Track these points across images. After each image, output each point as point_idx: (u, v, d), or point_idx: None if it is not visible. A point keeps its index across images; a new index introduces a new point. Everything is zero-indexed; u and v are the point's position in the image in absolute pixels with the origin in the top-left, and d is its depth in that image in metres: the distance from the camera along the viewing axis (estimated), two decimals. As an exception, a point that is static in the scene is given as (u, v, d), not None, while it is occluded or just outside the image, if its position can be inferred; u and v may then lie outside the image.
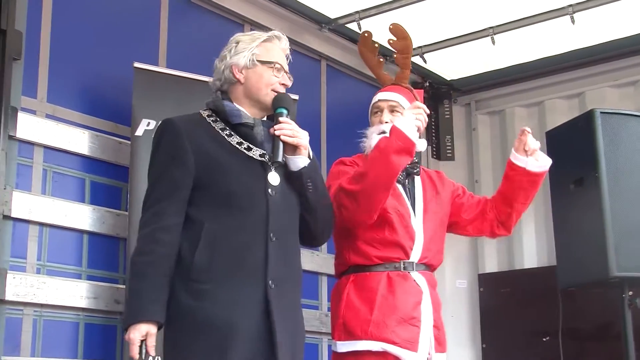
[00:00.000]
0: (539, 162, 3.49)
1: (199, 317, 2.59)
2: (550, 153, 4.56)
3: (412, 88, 3.58)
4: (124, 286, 4.17)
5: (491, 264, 6.35)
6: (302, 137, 2.77)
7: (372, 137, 3.39)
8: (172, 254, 2.64)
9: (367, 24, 5.54)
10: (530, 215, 6.13)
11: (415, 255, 3.37)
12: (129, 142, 4.31)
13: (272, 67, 2.82)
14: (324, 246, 5.56)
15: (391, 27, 3.67)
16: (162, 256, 2.62)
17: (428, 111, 3.30)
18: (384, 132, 3.31)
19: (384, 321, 3.24)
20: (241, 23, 5.21)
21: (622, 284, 4.10)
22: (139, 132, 4.26)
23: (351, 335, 3.27)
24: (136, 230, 4.06)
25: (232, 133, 2.76)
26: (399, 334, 3.24)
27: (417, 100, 3.45)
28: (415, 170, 3.47)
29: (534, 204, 6.01)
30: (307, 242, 2.95)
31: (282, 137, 2.73)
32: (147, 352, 2.53)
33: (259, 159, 2.75)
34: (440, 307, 3.45)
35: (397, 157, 3.15)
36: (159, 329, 2.60)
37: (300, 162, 2.78)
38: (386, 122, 3.39)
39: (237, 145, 2.74)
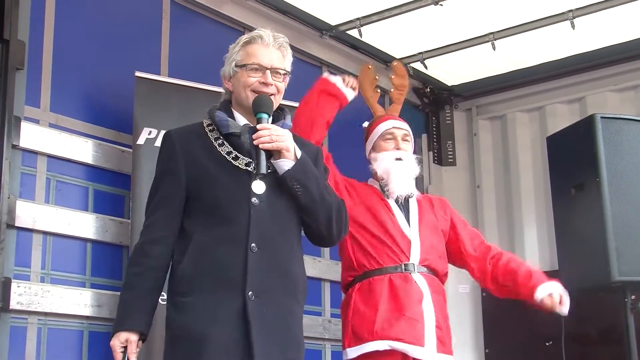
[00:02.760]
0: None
1: (177, 330, 2.66)
2: (551, 158, 4.63)
3: None
4: (127, 294, 4.18)
5: (494, 269, 6.34)
6: (282, 140, 2.70)
7: (386, 162, 3.65)
8: (161, 266, 2.72)
9: (368, 31, 5.58)
10: (532, 220, 6.14)
11: (414, 257, 3.51)
12: (131, 151, 4.33)
13: (249, 69, 2.77)
14: (327, 252, 5.58)
15: (394, 64, 4.11)
16: (149, 268, 2.71)
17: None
18: (400, 159, 3.64)
19: (389, 320, 3.36)
20: (242, 31, 5.22)
21: (624, 289, 4.11)
22: (141, 140, 4.28)
23: (359, 340, 3.39)
24: (138, 238, 4.12)
25: (224, 142, 2.77)
26: (405, 330, 3.35)
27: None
28: (410, 195, 3.69)
29: (535, 208, 6.10)
30: (316, 242, 2.92)
31: (260, 146, 2.67)
32: (128, 358, 2.63)
33: (244, 168, 2.73)
34: (445, 310, 3.53)
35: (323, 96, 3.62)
36: (143, 338, 2.68)
37: (283, 165, 2.71)
38: (403, 150, 3.68)
39: (226, 155, 2.75)
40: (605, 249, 4.02)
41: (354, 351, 3.40)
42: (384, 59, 6.07)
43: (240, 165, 2.73)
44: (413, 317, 3.38)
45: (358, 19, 5.49)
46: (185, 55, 4.81)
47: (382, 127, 3.77)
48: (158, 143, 4.27)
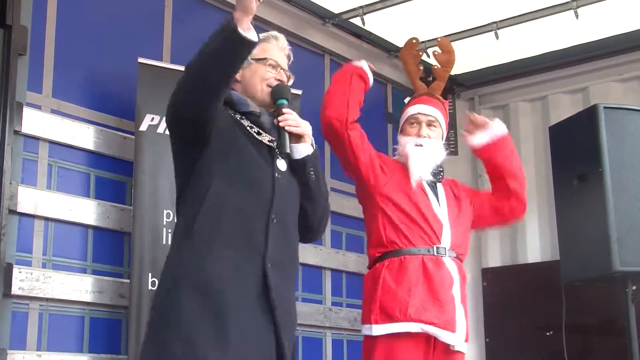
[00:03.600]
0: (494, 129, 3.81)
1: (196, 280, 2.55)
2: (553, 148, 4.62)
3: (444, 100, 3.91)
4: (128, 280, 4.19)
5: (495, 259, 6.36)
6: (305, 127, 2.83)
7: (408, 147, 3.70)
8: None
9: (371, 19, 5.57)
10: (534, 210, 6.13)
11: (445, 241, 3.56)
12: (133, 137, 4.33)
13: (265, 64, 2.86)
14: (327, 240, 5.59)
15: (441, 39, 4.05)
16: None
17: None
18: (420, 145, 3.67)
19: (422, 304, 3.40)
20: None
21: (625, 279, 4.11)
22: (143, 127, 4.28)
23: (390, 318, 3.41)
24: (140, 224, 4.16)
25: (244, 118, 2.82)
26: (437, 315, 3.40)
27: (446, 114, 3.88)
28: (439, 177, 3.74)
29: (537, 198, 6.09)
30: (304, 234, 2.95)
31: (287, 128, 2.76)
32: None
33: (268, 143, 2.80)
34: (466, 298, 3.60)
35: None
36: None
37: (304, 150, 2.83)
38: (424, 137, 3.71)
39: (249, 128, 2.79)
40: (607, 239, 4.01)
41: (381, 328, 3.41)
42: (387, 48, 6.06)
43: (263, 140, 2.80)
44: (445, 302, 3.43)
45: (361, 7, 5.47)
46: (188, 42, 4.73)
47: (409, 111, 3.80)
48: (160, 129, 4.28)
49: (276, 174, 2.76)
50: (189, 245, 2.61)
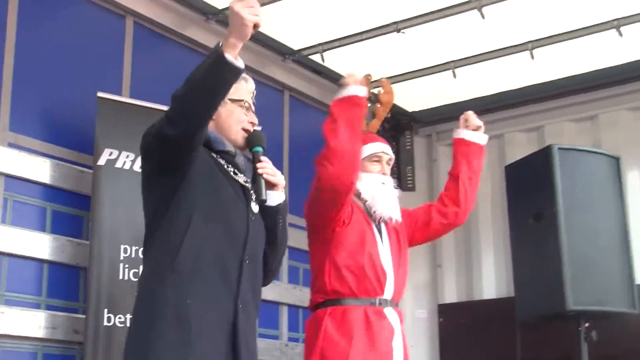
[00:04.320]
0: (479, 136, 3.96)
1: (178, 309, 2.57)
2: (509, 187, 4.70)
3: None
4: (83, 316, 4.15)
5: (451, 295, 6.40)
6: (280, 177, 2.87)
7: (373, 185, 3.65)
8: None
9: (330, 56, 5.62)
10: (490, 246, 6.20)
11: (388, 292, 3.53)
12: (91, 171, 4.30)
13: (241, 106, 2.87)
14: (285, 276, 5.59)
15: (383, 80, 4.02)
16: None
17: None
18: (384, 183, 3.65)
19: (362, 355, 3.36)
20: (205, 53, 5.22)
21: (578, 317, 4.17)
22: (102, 161, 4.26)
23: None
24: (98, 259, 4.12)
25: (219, 156, 2.83)
26: None
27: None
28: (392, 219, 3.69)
29: (493, 235, 6.16)
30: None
31: (264, 176, 2.79)
32: None
33: (243, 184, 2.82)
34: (407, 347, 3.57)
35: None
36: None
37: (277, 198, 2.88)
38: (386, 175, 3.72)
39: (224, 167, 2.81)
40: (560, 278, 4.08)
41: None
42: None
43: (239, 180, 2.82)
44: (385, 354, 3.41)
45: (321, 44, 5.53)
46: (148, 77, 4.80)
47: (372, 148, 3.73)
48: (119, 164, 4.27)
49: (250, 216, 2.79)
50: (175, 278, 2.61)
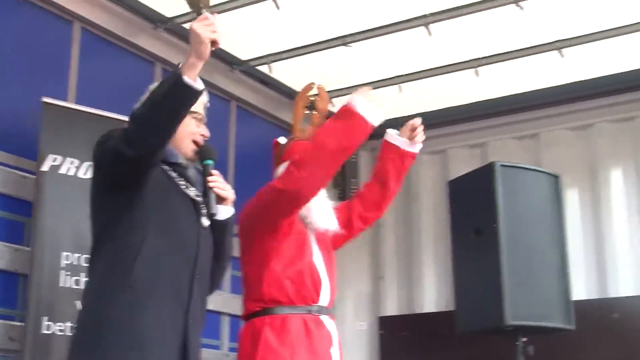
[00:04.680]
0: (414, 146, 3.84)
1: (135, 332, 2.56)
2: (452, 201, 4.75)
3: None
4: (20, 323, 4.09)
5: (392, 307, 6.43)
6: (230, 191, 2.91)
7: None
8: None
9: (278, 67, 5.64)
10: (431, 260, 6.26)
11: (324, 299, 3.50)
12: (34, 177, 4.25)
13: (195, 117, 2.87)
14: (228, 286, 5.57)
15: (320, 87, 3.93)
16: None
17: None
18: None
19: None
20: (153, 62, 5.22)
21: (516, 332, 4.23)
22: (45, 167, 4.21)
23: None
24: (39, 266, 4.06)
25: (170, 168, 2.82)
26: None
27: None
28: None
29: (435, 249, 6.22)
30: None
31: (215, 190, 2.82)
32: None
33: (194, 198, 2.83)
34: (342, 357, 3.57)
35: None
36: None
37: (226, 212, 2.92)
38: None
39: (175, 180, 2.81)
40: (499, 293, 4.13)
41: None
42: (293, 95, 6.12)
43: (190, 194, 2.82)
44: None
45: (269, 55, 5.55)
46: (95, 83, 4.76)
47: None
48: (63, 170, 4.23)
49: (201, 230, 2.80)
50: (128, 295, 2.58)
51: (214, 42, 2.55)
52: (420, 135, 3.86)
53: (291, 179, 3.30)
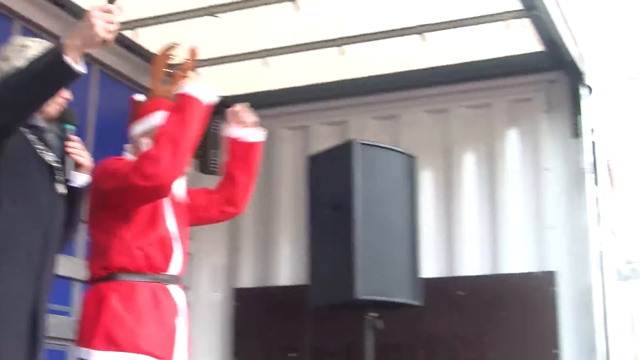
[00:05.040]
0: (253, 135, 3.93)
1: None
2: (311, 176, 4.82)
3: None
4: None
5: (247, 279, 6.46)
6: (88, 158, 2.91)
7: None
8: None
9: (143, 33, 5.54)
10: (288, 234, 6.32)
11: (174, 268, 3.47)
12: None
13: None
14: (80, 251, 5.47)
15: (193, 48, 3.76)
16: None
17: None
18: None
19: (150, 335, 3.29)
20: (11, 18, 5.03)
21: (365, 306, 4.36)
22: None
23: (116, 346, 3.22)
24: None
25: (28, 131, 2.76)
26: (164, 347, 3.33)
27: None
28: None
29: (292, 223, 6.27)
30: None
31: (73, 156, 2.82)
32: None
33: (52, 163, 2.80)
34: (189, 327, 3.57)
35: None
36: None
37: (81, 179, 2.92)
38: None
39: (32, 144, 2.75)
40: (352, 268, 4.24)
41: (104, 356, 3.20)
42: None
43: (47, 159, 2.78)
44: (169, 332, 3.38)
45: (134, 20, 5.44)
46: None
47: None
48: None
49: (56, 197, 2.79)
50: None
51: (104, 41, 2.50)
52: (248, 118, 3.88)
53: (150, 176, 3.17)
